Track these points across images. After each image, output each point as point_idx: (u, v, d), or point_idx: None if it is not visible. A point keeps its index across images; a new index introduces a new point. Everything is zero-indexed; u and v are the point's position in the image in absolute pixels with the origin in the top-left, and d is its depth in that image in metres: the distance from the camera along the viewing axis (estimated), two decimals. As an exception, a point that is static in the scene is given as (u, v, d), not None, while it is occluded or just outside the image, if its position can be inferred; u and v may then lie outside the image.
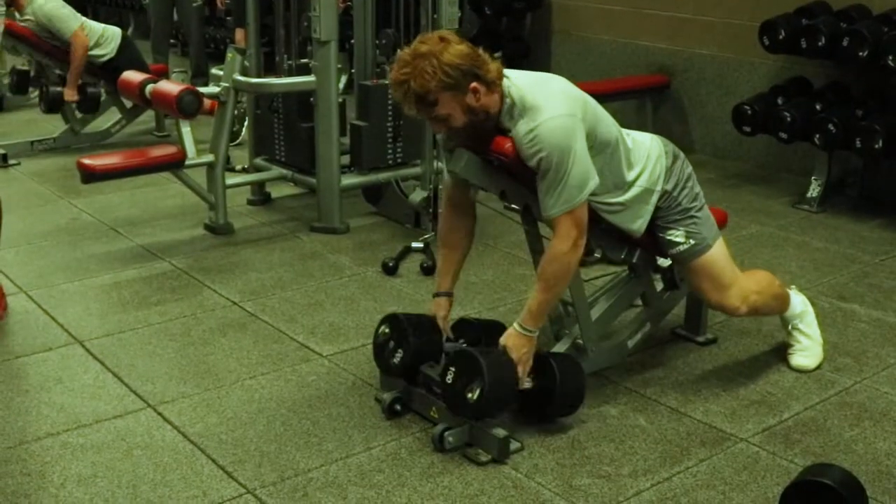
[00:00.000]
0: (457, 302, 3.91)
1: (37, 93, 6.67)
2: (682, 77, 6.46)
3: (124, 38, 6.57)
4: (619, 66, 6.78)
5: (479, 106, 2.78)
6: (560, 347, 3.18)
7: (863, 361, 3.50)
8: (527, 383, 2.92)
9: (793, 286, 3.54)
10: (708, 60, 6.29)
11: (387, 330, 3.14)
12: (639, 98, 6.55)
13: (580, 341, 3.17)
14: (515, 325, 2.93)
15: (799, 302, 3.44)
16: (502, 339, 2.95)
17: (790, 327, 3.45)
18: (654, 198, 3.04)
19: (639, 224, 3.05)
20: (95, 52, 6.40)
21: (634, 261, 3.23)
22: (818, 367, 3.42)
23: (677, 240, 3.08)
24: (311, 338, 3.65)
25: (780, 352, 3.52)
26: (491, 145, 2.86)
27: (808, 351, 3.43)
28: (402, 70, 2.73)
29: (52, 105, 6.35)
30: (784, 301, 3.39)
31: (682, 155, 3.15)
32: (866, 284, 4.24)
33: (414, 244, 4.43)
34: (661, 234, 3.11)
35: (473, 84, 2.75)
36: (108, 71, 6.36)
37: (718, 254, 3.12)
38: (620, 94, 6.24)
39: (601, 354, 3.26)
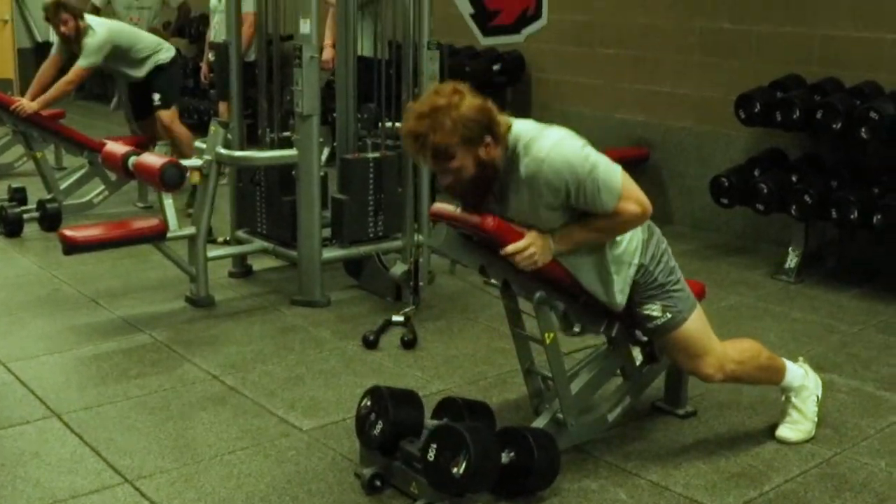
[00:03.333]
0: (437, 376, 3.94)
1: (21, 161, 6.69)
2: (660, 149, 6.55)
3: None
4: (599, 139, 6.73)
5: (488, 159, 2.83)
6: (540, 422, 3.17)
7: (842, 432, 3.50)
8: (504, 458, 2.90)
9: (801, 358, 3.54)
10: (685, 133, 6.39)
11: (368, 403, 3.12)
12: (618, 170, 6.61)
13: (560, 415, 3.17)
14: (549, 236, 2.92)
15: (798, 376, 3.41)
16: (528, 235, 2.89)
17: (783, 398, 3.45)
18: (632, 271, 3.06)
19: (619, 298, 3.07)
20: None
21: (614, 334, 3.25)
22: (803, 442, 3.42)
23: (654, 314, 3.10)
24: (291, 412, 3.63)
25: (761, 423, 3.53)
26: (477, 225, 2.89)
27: (795, 425, 3.42)
28: (421, 123, 2.75)
29: (14, 228, 6.06)
30: (775, 373, 3.37)
31: (657, 230, 3.18)
32: (845, 354, 4.26)
33: (395, 318, 4.42)
34: (637, 309, 3.13)
35: (487, 138, 2.79)
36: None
37: (694, 326, 3.14)
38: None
39: (581, 428, 3.26)
